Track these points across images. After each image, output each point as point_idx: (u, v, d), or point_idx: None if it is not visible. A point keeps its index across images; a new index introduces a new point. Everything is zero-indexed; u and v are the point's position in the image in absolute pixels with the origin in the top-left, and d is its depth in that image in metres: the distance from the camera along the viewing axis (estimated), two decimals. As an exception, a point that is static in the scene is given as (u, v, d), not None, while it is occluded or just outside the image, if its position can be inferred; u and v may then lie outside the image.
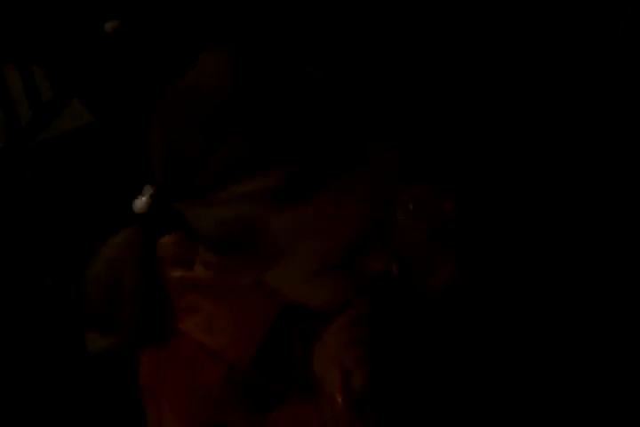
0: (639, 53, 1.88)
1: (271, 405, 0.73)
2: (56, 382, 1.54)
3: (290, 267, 0.64)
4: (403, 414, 0.82)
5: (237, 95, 0.61)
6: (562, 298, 1.51)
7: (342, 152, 0.60)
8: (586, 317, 1.47)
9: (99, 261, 0.66)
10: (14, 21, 1.62)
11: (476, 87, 1.93)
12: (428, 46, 1.98)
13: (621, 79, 1.90)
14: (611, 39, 1.90)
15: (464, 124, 1.87)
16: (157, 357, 0.74)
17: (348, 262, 0.65)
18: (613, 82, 1.90)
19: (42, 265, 1.58)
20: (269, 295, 0.70)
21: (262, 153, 0.59)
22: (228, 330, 0.72)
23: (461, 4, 2.02)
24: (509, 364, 1.29)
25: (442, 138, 1.82)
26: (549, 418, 1.29)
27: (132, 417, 0.82)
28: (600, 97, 1.89)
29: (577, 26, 1.95)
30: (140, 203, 0.63)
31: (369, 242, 0.65)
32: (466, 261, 0.91)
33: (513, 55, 1.96)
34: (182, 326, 0.72)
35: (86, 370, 1.41)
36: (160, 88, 0.65)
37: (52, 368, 1.55)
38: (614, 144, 1.83)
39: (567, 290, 1.52)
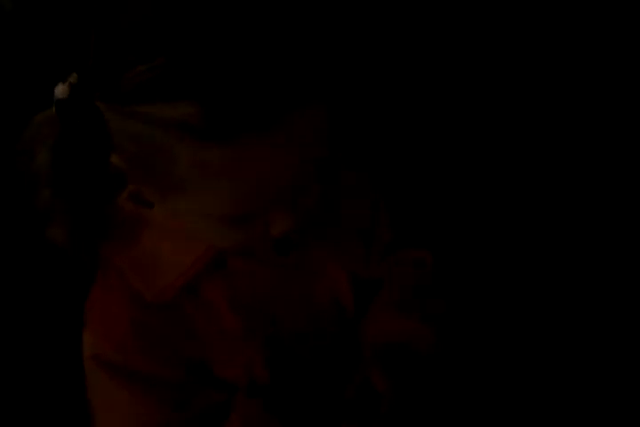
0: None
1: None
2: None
3: (200, 205, 0.62)
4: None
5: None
6: (561, 302, 1.49)
7: (270, 104, 0.57)
8: (585, 321, 1.45)
9: (20, 143, 0.65)
10: None
11: (472, 93, 1.88)
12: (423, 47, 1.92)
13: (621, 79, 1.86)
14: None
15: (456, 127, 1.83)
16: (95, 285, 0.76)
17: (255, 214, 0.64)
18: (613, 82, 1.86)
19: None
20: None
21: (178, 82, 0.56)
22: (152, 271, 0.72)
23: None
24: (506, 365, 1.30)
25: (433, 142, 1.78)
26: (548, 418, 1.28)
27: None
28: (600, 97, 1.85)
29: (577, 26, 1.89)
30: (62, 88, 0.61)
31: (283, 200, 0.64)
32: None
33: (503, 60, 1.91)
34: (116, 259, 0.73)
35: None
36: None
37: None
38: (612, 146, 1.79)
39: (566, 294, 1.50)
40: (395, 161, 1.66)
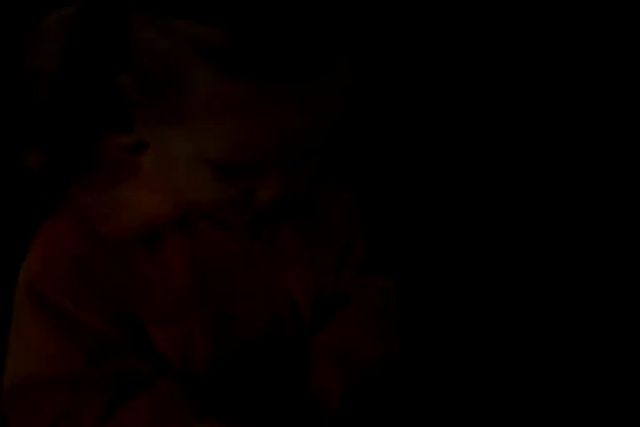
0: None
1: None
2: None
3: (196, 144, 0.59)
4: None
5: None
6: (560, 303, 1.51)
7: None
8: (584, 322, 1.47)
9: (28, 37, 0.62)
10: None
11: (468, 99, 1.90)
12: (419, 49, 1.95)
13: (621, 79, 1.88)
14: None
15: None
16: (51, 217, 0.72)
17: (247, 170, 0.61)
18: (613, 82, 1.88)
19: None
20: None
21: (224, 4, 0.54)
22: (116, 213, 0.69)
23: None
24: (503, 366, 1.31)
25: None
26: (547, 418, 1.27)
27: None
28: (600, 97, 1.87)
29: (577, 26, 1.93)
30: None
31: (279, 162, 0.61)
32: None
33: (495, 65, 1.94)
34: (82, 197, 0.69)
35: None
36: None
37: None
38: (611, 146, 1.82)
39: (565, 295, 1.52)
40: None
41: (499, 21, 1.98)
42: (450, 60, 1.97)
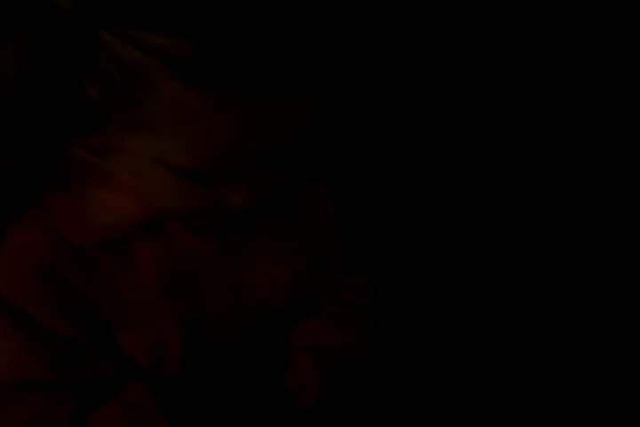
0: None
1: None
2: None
3: (164, 151, 0.60)
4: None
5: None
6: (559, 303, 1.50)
7: None
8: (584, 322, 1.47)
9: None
10: None
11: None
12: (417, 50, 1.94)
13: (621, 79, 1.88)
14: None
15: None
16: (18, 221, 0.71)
17: (215, 176, 0.62)
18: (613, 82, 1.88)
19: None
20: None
21: (187, 16, 0.56)
22: (83, 217, 0.68)
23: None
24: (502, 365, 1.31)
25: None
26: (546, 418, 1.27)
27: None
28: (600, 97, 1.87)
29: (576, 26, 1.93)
30: None
31: (248, 168, 0.62)
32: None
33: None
34: (50, 202, 0.69)
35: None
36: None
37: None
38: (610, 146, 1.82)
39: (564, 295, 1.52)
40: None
41: (499, 21, 1.97)
42: (445, 59, 1.96)
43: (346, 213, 0.91)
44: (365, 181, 1.73)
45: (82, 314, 0.68)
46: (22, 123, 0.64)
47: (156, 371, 0.73)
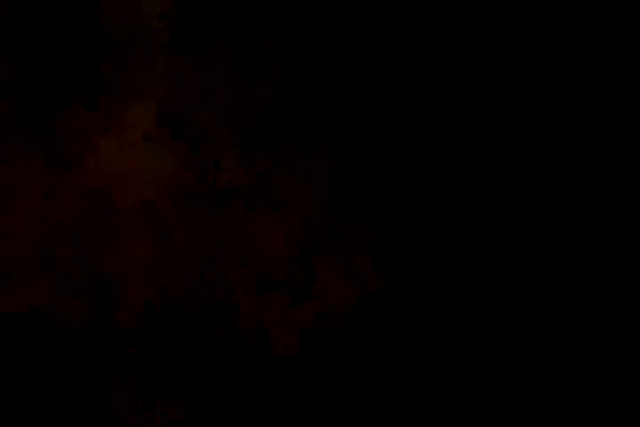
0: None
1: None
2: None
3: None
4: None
5: None
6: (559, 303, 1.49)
7: None
8: (584, 321, 1.46)
9: None
10: None
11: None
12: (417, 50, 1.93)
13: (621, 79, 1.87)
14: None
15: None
16: None
17: (200, 141, 0.58)
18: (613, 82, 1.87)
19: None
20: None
21: None
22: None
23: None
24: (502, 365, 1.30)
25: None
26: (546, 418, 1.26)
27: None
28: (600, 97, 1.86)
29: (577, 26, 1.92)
30: None
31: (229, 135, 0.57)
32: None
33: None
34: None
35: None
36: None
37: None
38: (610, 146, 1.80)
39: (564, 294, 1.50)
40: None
41: (499, 21, 1.97)
42: (445, 59, 1.95)
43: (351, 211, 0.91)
44: (365, 182, 1.69)
45: None
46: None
47: None
